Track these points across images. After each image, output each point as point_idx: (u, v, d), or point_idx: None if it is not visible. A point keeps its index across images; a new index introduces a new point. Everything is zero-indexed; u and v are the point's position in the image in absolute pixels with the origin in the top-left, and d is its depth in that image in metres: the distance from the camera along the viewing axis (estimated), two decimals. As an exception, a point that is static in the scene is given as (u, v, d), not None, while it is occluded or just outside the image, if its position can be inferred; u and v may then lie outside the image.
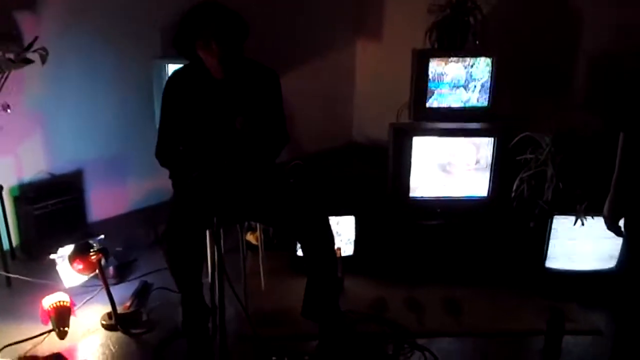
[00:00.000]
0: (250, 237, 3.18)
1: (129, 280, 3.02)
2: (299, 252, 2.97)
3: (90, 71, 3.31)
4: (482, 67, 3.27)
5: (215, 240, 1.98)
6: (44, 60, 2.81)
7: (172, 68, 3.12)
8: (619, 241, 2.70)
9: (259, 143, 2.41)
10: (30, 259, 3.15)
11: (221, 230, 2.05)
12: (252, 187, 2.44)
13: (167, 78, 3.06)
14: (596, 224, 2.76)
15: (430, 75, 3.27)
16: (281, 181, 2.68)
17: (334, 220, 2.47)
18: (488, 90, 3.29)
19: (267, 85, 2.49)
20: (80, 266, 2.65)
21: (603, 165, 2.81)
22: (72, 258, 2.65)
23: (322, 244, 2.44)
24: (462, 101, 3.31)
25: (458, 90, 3.30)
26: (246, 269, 2.77)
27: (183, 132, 2.42)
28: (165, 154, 2.45)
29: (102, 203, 3.48)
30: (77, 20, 3.18)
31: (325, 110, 4.41)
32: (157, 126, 2.60)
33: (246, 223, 2.83)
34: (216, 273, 2.15)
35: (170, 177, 2.50)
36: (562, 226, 2.85)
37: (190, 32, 2.32)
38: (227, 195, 2.25)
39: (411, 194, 3.15)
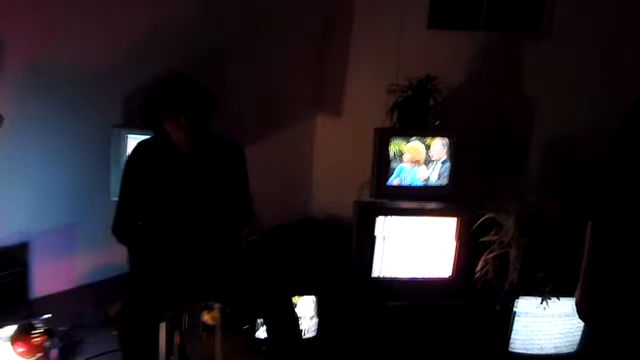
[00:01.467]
0: (206, 317, 3.02)
1: (73, 364, 2.79)
2: (258, 334, 2.85)
3: (44, 138, 3.18)
4: (442, 147, 3.32)
5: (177, 327, 1.85)
6: (-2, 125, 2.68)
7: (132, 138, 3.06)
8: (581, 324, 2.73)
9: (225, 220, 2.33)
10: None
11: (185, 316, 1.93)
12: (214, 266, 2.34)
13: (126, 148, 3.04)
14: (560, 305, 2.78)
15: (391, 154, 3.30)
16: (240, 258, 2.60)
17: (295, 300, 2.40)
18: (448, 170, 3.34)
19: (234, 161, 2.45)
20: (22, 349, 2.43)
21: (566, 248, 2.88)
22: (13, 340, 2.43)
23: (288, 325, 2.34)
24: (423, 180, 3.34)
25: (419, 170, 3.33)
26: (202, 352, 2.61)
27: (145, 207, 2.31)
28: (124, 229, 2.33)
29: (48, 277, 3.25)
30: (36, 84, 3.08)
31: (284, 185, 4.38)
32: (114, 198, 2.49)
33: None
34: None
35: (129, 254, 2.37)
36: (526, 308, 2.84)
37: (158, 104, 2.27)
38: (192, 277, 2.14)
39: (375, 274, 3.10)
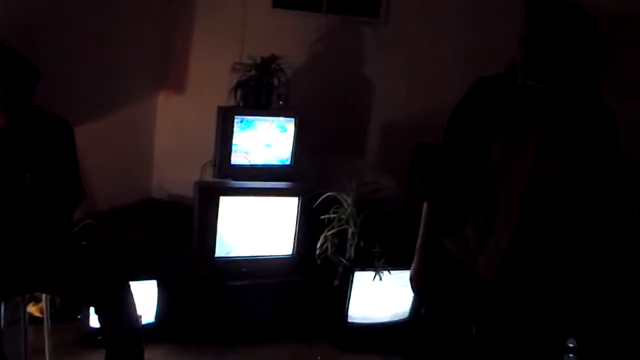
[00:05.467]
0: (32, 309, 2.78)
1: None
2: (91, 323, 2.69)
3: None
4: (285, 127, 3.35)
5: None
6: None
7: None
8: (411, 294, 2.93)
9: (52, 202, 2.14)
10: None
11: (1, 309, 1.74)
12: (39, 253, 2.15)
13: None
14: (392, 278, 2.96)
15: (235, 133, 3.26)
16: (71, 244, 2.42)
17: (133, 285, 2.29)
18: (291, 150, 3.38)
19: (59, 137, 2.26)
20: None
21: (399, 224, 3.07)
22: None
23: (123, 312, 2.23)
24: (266, 159, 3.35)
25: (262, 149, 3.33)
26: (28, 346, 2.39)
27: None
28: None
29: None
30: None
31: (122, 164, 4.13)
32: None
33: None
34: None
35: None
36: (362, 281, 2.99)
37: None
38: (11, 264, 1.94)
39: (217, 254, 3.06)
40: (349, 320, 3.04)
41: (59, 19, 3.47)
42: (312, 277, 3.13)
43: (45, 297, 2.51)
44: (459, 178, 1.86)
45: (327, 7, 3.90)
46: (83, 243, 2.90)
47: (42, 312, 2.58)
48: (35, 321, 2.69)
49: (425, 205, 1.93)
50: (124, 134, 4.15)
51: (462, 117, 1.88)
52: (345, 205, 2.97)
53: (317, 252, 3.01)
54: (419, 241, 1.95)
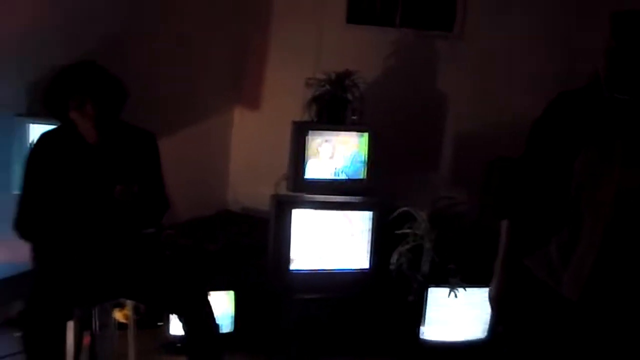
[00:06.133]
0: (118, 315, 2.91)
1: (-29, 370, 2.61)
2: (172, 331, 2.79)
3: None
4: (359, 142, 3.37)
5: (87, 327, 1.77)
6: None
7: (35, 128, 2.88)
8: (488, 312, 2.86)
9: (140, 212, 2.25)
10: None
11: (94, 314, 1.85)
12: (128, 261, 2.26)
13: (29, 139, 2.86)
14: (468, 295, 2.90)
15: (309, 147, 3.30)
16: (156, 253, 2.53)
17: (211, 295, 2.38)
18: (364, 164, 3.39)
19: (145, 149, 2.38)
20: None
21: (475, 240, 3.01)
22: None
23: (204, 321, 2.30)
24: (340, 174, 3.37)
25: (336, 163, 3.36)
26: (114, 352, 2.51)
27: (51, 203, 2.19)
28: (27, 226, 2.19)
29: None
30: None
31: (200, 177, 4.28)
32: (16, 191, 2.34)
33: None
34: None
35: (34, 250, 2.23)
36: (437, 298, 2.94)
37: (63, 90, 2.15)
38: (101, 273, 2.06)
39: (292, 267, 3.11)
40: (422, 337, 3.00)
41: (143, 42, 3.66)
42: (386, 292, 3.12)
43: (131, 304, 2.63)
44: (541, 194, 1.81)
45: (401, 21, 3.91)
46: (167, 253, 3.03)
47: (126, 318, 2.70)
48: (120, 327, 2.82)
49: (505, 222, 1.89)
50: (201, 148, 4.30)
51: (544, 132, 1.84)
52: (420, 221, 2.94)
53: (392, 267, 3.00)
54: (498, 259, 1.91)
